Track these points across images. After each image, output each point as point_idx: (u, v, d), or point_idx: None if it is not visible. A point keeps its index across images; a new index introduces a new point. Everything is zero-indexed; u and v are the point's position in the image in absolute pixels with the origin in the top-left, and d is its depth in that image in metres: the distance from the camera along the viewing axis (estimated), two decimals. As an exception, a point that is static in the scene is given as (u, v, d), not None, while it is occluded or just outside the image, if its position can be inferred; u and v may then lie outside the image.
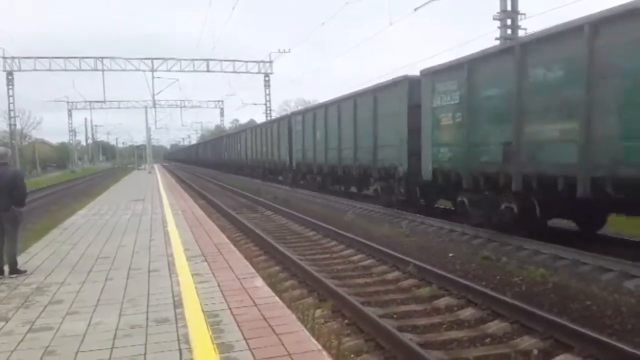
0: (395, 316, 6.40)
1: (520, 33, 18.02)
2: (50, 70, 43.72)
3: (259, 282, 6.20)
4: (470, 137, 11.06)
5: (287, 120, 27.44)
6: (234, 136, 46.97)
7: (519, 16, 18.41)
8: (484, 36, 62.36)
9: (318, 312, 6.39)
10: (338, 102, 19.79)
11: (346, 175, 19.74)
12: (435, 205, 15.67)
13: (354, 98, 18.06)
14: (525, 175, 9.51)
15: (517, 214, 10.21)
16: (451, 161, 11.87)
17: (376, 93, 16.29)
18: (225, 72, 47.29)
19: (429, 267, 8.21)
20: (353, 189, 21.42)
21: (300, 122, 24.35)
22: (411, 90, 14.09)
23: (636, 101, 7.36)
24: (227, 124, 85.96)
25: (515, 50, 9.57)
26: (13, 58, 43.72)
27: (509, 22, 18.32)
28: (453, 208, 13.68)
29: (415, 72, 13.31)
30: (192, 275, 6.55)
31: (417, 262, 8.41)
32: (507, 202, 10.41)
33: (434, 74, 12.50)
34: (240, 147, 41.15)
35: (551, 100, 8.84)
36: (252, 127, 40.17)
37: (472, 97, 10.96)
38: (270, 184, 29.71)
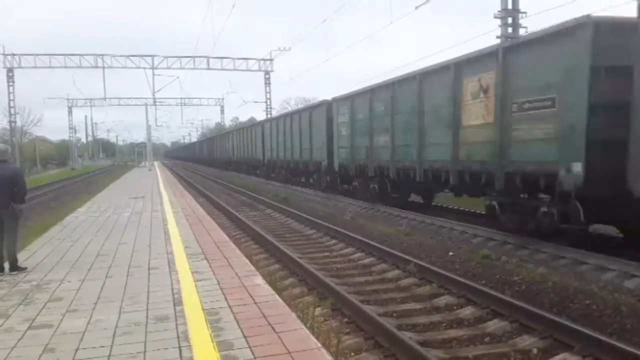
0: (395, 315, 6.41)
1: (521, 31, 18.01)
2: (50, 67, 43.64)
3: (259, 280, 6.20)
4: (352, 143, 18.04)
5: (260, 126, 34.06)
6: (223, 136, 52.35)
7: (520, 15, 18.40)
8: (486, 34, 62.19)
9: (318, 310, 6.39)
10: (291, 114, 27.38)
11: (302, 169, 25.48)
12: (344, 187, 21.04)
13: (299, 113, 25.69)
14: (376, 166, 16.33)
15: (378, 190, 16.79)
16: (346, 159, 18.68)
17: (311, 110, 23.62)
18: (226, 69, 47.21)
19: (428, 265, 8.21)
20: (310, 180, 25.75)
21: (269, 128, 31.00)
22: (328, 110, 20.92)
23: (408, 127, 14.05)
24: (228, 122, 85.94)
25: (369, 92, 16.52)
26: (13, 55, 43.64)
27: (510, 20, 18.31)
28: (350, 189, 19.80)
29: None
30: (192, 273, 6.56)
31: (417, 261, 8.42)
32: (373, 183, 17.10)
33: (338, 100, 19.54)
34: (228, 146, 46.48)
35: (381, 123, 15.79)
36: (236, 129, 46.57)
37: (353, 118, 17.99)
38: (249, 177, 35.56)
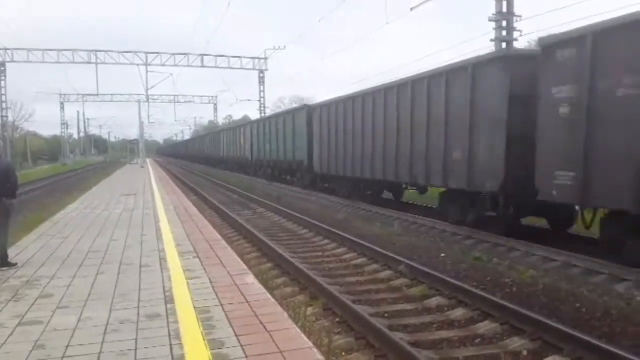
0: (386, 315, 6.42)
1: (515, 35, 18.09)
2: (43, 62, 43.38)
3: (251, 278, 6.20)
4: (328, 146, 19.86)
5: (248, 126, 36.39)
6: (213, 135, 54.18)
7: (515, 18, 18.46)
8: (481, 37, 62.50)
9: (309, 309, 6.40)
10: (275, 117, 29.43)
11: (286, 168, 27.21)
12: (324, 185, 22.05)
13: (283, 115, 27.90)
14: (349, 169, 18.27)
15: (352, 188, 18.61)
16: (324, 160, 20.52)
17: (293, 113, 25.56)
18: (220, 67, 47.07)
19: (420, 266, 8.23)
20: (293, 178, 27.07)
21: (256, 128, 33.01)
22: (308, 114, 22.64)
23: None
24: (221, 120, 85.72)
25: (340, 102, 18.82)
26: (6, 49, 43.31)
27: (504, 23, 18.37)
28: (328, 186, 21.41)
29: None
30: (184, 270, 6.54)
31: (409, 262, 8.44)
32: (348, 183, 18.90)
33: (315, 107, 22.04)
34: (218, 144, 48.23)
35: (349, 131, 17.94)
36: (226, 129, 48.95)
37: (329, 124, 19.94)
38: (239, 174, 36.64)
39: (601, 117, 7.99)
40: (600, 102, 8.03)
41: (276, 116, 29.76)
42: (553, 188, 8.87)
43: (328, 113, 20.01)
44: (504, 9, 18.30)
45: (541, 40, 9.53)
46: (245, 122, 45.20)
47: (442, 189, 13.10)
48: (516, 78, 10.03)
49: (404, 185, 16.64)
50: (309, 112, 22.65)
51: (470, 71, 11.19)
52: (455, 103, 11.70)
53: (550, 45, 9.09)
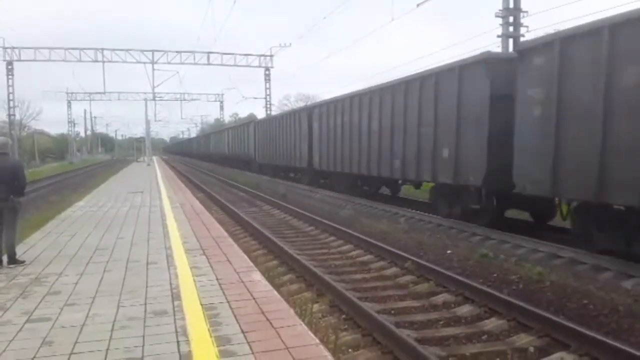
0: (392, 312, 6.42)
1: (522, 30, 18.01)
2: (50, 60, 43.55)
3: (257, 275, 6.21)
4: (328, 145, 20.69)
5: (248, 126, 38.23)
6: (218, 133, 55.98)
7: (522, 14, 18.38)
8: (487, 33, 62.15)
9: (316, 306, 6.41)
10: (280, 117, 30.56)
11: (288, 165, 27.98)
12: (324, 181, 23.16)
13: (287, 115, 29.00)
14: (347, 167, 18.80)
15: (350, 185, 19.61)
16: (322, 158, 21.67)
17: (296, 114, 26.54)
18: (226, 65, 47.10)
19: (427, 263, 8.23)
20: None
21: (261, 126, 34.63)
22: (309, 115, 23.57)
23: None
24: (227, 118, 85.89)
25: (336, 102, 19.95)
26: (13, 48, 43.54)
27: (511, 19, 18.29)
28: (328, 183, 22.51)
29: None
30: (191, 268, 6.56)
31: (415, 259, 8.43)
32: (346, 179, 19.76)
33: (314, 108, 23.15)
34: (223, 142, 49.29)
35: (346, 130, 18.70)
36: (227, 129, 50.52)
37: (322, 128, 21.34)
38: (241, 171, 38.62)
39: (569, 117, 8.72)
40: (567, 103, 8.75)
41: (281, 116, 30.83)
42: (527, 182, 9.63)
43: (327, 113, 20.77)
44: (511, 5, 18.23)
45: (517, 46, 11.05)
46: (247, 121, 47.48)
47: (432, 184, 13.85)
48: (496, 79, 10.73)
49: (400, 182, 17.19)
50: (309, 113, 23.76)
51: (457, 73, 11.83)
52: (444, 103, 12.38)
53: (525, 50, 9.95)
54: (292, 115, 27.20)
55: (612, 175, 7.92)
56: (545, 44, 9.30)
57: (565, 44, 8.79)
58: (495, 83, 10.71)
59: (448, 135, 12.13)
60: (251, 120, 45.44)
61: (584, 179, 8.34)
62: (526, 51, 9.87)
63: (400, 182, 17.20)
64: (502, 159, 10.13)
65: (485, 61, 11.10)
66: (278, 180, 27.93)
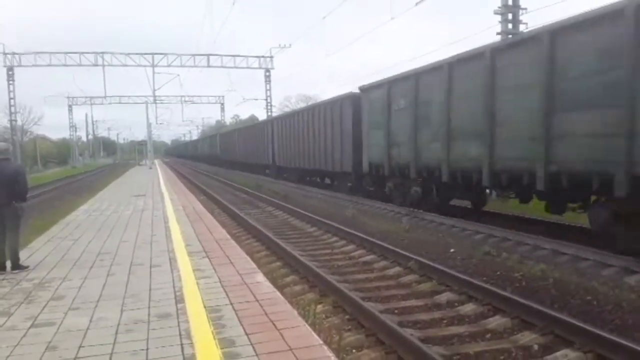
0: (396, 311, 6.42)
1: (521, 28, 17.99)
2: (50, 65, 43.65)
3: (260, 277, 6.22)
4: (284, 148, 28.73)
5: (259, 127, 40.41)
6: (211, 137, 61.88)
7: (520, 11, 18.37)
8: (486, 30, 62.11)
9: (319, 307, 6.41)
10: (249, 128, 40.21)
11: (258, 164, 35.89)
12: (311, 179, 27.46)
13: (256, 126, 38.55)
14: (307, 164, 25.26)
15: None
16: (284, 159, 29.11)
17: (260, 125, 36.46)
18: (226, 67, 47.16)
19: (429, 262, 8.22)
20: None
21: (253, 133, 38.71)
22: (271, 125, 31.70)
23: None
24: (228, 120, 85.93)
25: (271, 121, 31.92)
26: (14, 54, 43.67)
27: (510, 16, 18.28)
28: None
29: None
30: (194, 270, 6.57)
31: (418, 258, 8.43)
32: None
33: (275, 119, 30.70)
34: (217, 147, 54.01)
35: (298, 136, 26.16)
36: (221, 133, 55.13)
37: (281, 135, 29.17)
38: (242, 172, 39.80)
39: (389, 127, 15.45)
40: (392, 119, 15.24)
41: (253, 126, 40.62)
42: (368, 167, 17.04)
43: (283, 124, 29.03)
44: (510, 2, 18.22)
45: (360, 87, 17.40)
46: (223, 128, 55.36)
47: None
48: (356, 109, 18.34)
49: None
50: (271, 123, 31.84)
51: (339, 104, 20.09)
52: (334, 123, 20.55)
53: (365, 89, 17.14)
54: (259, 125, 37.71)
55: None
56: (377, 85, 16.05)
57: (392, 84, 15.11)
58: (355, 111, 18.38)
59: (336, 143, 20.25)
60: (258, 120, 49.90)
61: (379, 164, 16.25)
62: (366, 90, 17.06)
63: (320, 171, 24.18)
64: (359, 156, 17.71)
65: (350, 97, 19.09)
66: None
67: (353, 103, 18.39)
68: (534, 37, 9.68)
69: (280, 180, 29.09)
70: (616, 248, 8.45)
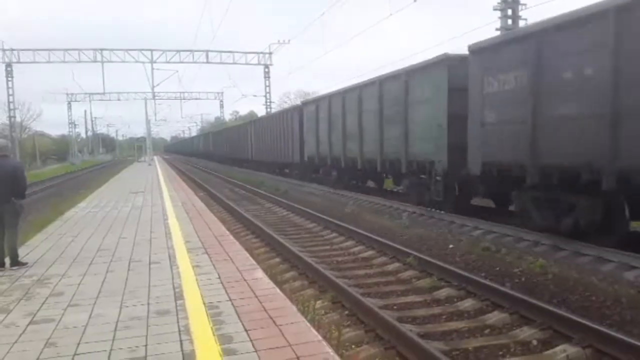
0: (395, 307, 6.43)
1: (521, 23, 17.96)
2: (49, 62, 43.55)
3: (260, 273, 6.22)
4: (261, 145, 34.04)
5: (242, 127, 44.03)
6: (205, 135, 67.64)
7: (520, 6, 18.34)
8: (486, 26, 61.95)
9: (318, 303, 6.41)
10: (230, 129, 47.24)
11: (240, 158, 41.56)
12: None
13: (238, 126, 45.40)
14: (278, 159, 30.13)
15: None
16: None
17: (243, 125, 42.04)
18: (225, 63, 47.02)
19: (429, 258, 8.23)
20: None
21: (237, 132, 43.71)
22: (250, 125, 37.33)
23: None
24: (227, 116, 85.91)
25: (252, 122, 38.94)
26: (12, 50, 43.53)
27: (509, 12, 18.25)
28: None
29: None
30: (193, 267, 6.57)
31: (417, 254, 8.44)
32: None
33: (255, 121, 37.04)
34: (210, 144, 59.08)
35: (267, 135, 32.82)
36: (213, 132, 61.69)
37: (258, 135, 34.71)
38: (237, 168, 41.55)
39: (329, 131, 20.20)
40: (319, 126, 21.24)
41: (237, 127, 46.29)
42: (315, 158, 22.26)
43: (258, 125, 34.69)
44: (509, -2, 18.18)
45: (302, 102, 24.72)
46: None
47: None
48: (301, 117, 24.19)
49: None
50: (250, 125, 37.64)
51: (289, 114, 26.92)
52: (284, 128, 27.24)
53: (304, 104, 24.35)
54: (242, 126, 42.95)
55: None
56: (311, 102, 23.09)
57: (317, 103, 21.77)
58: (300, 119, 24.25)
59: (289, 142, 26.18)
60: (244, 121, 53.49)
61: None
62: (304, 104, 24.41)
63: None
64: (304, 151, 23.53)
65: (297, 108, 25.46)
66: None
67: (299, 113, 24.69)
68: (374, 83, 16.06)
69: (260, 172, 33.31)
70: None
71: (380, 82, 15.49)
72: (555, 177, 8.89)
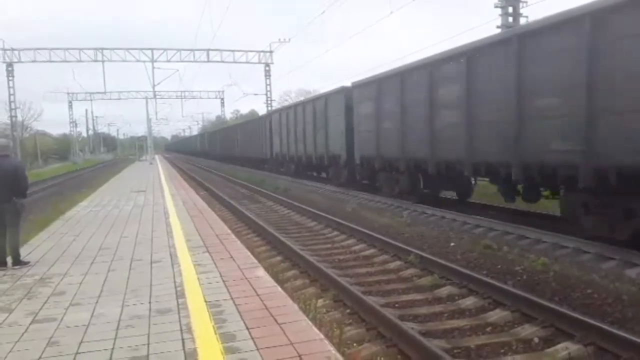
0: (396, 305, 6.43)
1: (522, 21, 17.92)
2: (50, 61, 43.56)
3: (261, 272, 6.22)
4: (248, 143, 39.95)
5: (231, 129, 49.40)
6: (201, 135, 74.43)
7: (521, 4, 18.30)
8: (487, 24, 61.88)
9: (320, 301, 6.42)
10: (218, 131, 56.64)
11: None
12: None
13: (217, 130, 58.54)
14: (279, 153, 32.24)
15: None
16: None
17: (231, 128, 49.28)
18: (226, 62, 47.03)
19: (430, 256, 8.22)
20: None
21: (245, 127, 44.31)
22: (234, 130, 46.49)
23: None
24: (228, 115, 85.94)
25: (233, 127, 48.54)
26: (13, 49, 43.54)
27: (510, 9, 18.22)
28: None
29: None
30: (194, 265, 6.58)
31: (419, 252, 8.43)
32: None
33: (239, 125, 46.04)
34: (206, 142, 64.82)
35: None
36: (208, 132, 67.54)
37: (245, 135, 41.15)
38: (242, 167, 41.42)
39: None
40: (281, 130, 28.40)
41: (227, 128, 52.38)
42: (276, 154, 30.32)
43: (243, 128, 40.74)
44: (510, -5, 18.14)
45: (268, 112, 37.27)
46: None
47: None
48: (270, 123, 30.96)
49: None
50: (238, 127, 43.76)
51: (265, 119, 33.18)
52: (262, 129, 33.19)
53: (271, 113, 33.23)
54: (230, 129, 49.60)
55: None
56: (275, 111, 30.82)
57: (279, 113, 28.93)
58: (271, 124, 30.50)
59: (264, 141, 32.15)
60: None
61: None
62: (271, 113, 32.90)
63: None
64: (274, 148, 29.87)
65: (269, 115, 32.09)
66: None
67: (269, 119, 31.33)
68: (310, 101, 23.20)
69: (245, 167, 38.50)
70: None
71: (313, 101, 22.72)
72: (388, 164, 15.50)
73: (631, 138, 7.44)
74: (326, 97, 20.64)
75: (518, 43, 9.53)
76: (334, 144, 19.88)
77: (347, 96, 18.31)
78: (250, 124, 39.13)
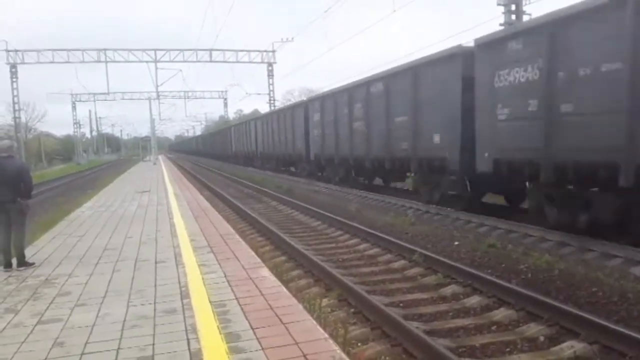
0: (401, 305, 6.42)
1: (525, 18, 17.86)
2: (53, 62, 43.66)
3: (265, 272, 6.23)
4: (242, 145, 44.46)
5: (227, 130, 52.67)
6: (200, 136, 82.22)
7: (524, 1, 18.22)
8: (489, 22, 61.66)
9: (324, 301, 6.42)
10: (213, 134, 63.26)
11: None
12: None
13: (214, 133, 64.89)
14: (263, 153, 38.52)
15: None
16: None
17: (227, 129, 53.03)
18: (229, 62, 47.07)
19: (434, 255, 8.22)
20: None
21: (237, 129, 47.45)
22: (229, 130, 50.38)
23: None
24: (231, 115, 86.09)
25: (231, 128, 51.03)
26: (16, 51, 43.64)
27: (513, 7, 18.14)
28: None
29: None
30: (199, 265, 6.59)
31: (423, 251, 8.43)
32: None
33: (234, 125, 49.53)
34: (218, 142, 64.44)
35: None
36: (206, 134, 73.62)
37: (239, 137, 45.29)
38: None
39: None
40: (257, 135, 35.90)
41: (224, 129, 56.25)
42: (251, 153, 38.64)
43: (236, 129, 45.13)
44: (513, -7, 18.05)
45: (250, 119, 41.49)
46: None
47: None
48: (252, 127, 37.84)
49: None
50: (232, 129, 47.66)
51: (249, 123, 39.42)
52: (246, 132, 39.97)
53: (253, 119, 39.45)
54: (223, 131, 54.65)
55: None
56: (251, 120, 39.08)
57: (255, 121, 36.61)
58: (256, 128, 35.88)
59: (248, 140, 38.58)
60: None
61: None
62: (252, 119, 39.74)
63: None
64: (258, 150, 35.74)
65: (254, 120, 37.50)
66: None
67: (254, 124, 36.20)
68: (290, 108, 28.15)
69: (238, 165, 42.19)
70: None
71: (292, 108, 26.98)
72: (371, 163, 17.03)
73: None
74: (293, 108, 27.03)
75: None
76: (300, 144, 25.42)
77: (305, 108, 24.26)
78: (245, 125, 43.72)
